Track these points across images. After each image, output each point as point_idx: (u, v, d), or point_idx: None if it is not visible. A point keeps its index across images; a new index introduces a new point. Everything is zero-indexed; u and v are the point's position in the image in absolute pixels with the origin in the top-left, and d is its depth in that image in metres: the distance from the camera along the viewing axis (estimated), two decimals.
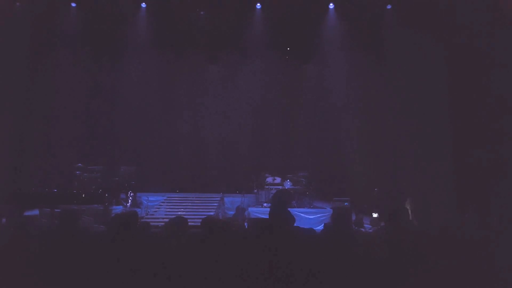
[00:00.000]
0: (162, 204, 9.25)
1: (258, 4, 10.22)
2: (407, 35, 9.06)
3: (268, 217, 5.81)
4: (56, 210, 7.60)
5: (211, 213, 8.47)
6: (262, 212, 8.68)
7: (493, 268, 3.05)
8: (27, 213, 7.92)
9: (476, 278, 3.00)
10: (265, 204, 9.17)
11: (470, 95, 7.71)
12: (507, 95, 6.91)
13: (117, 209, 8.80)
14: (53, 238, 3.38)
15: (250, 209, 9.02)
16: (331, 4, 10.20)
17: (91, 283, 2.85)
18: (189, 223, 3.74)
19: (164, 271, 2.89)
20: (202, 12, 10.13)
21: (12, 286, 2.87)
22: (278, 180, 9.92)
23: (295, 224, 4.84)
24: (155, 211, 8.82)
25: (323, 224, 7.74)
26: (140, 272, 2.87)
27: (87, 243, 3.25)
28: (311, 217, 8.69)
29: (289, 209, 5.57)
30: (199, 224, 3.52)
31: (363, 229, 8.17)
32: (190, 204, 9.30)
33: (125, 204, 9.09)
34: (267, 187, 9.78)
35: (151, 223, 5.18)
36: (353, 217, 8.54)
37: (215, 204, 9.18)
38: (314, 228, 4.06)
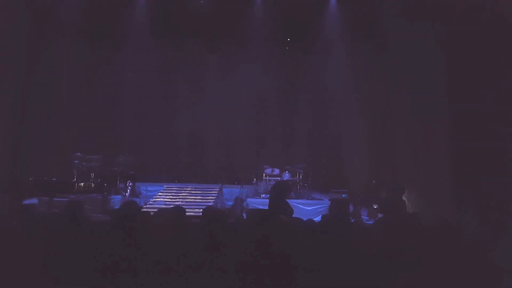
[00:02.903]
0: (161, 194, 9.27)
1: None
2: (408, 26, 9.01)
3: (266, 208, 5.88)
4: (54, 199, 7.64)
5: (210, 204, 8.50)
6: (260, 203, 8.72)
7: (490, 260, 3.08)
8: (25, 202, 7.94)
9: (473, 270, 3.03)
10: (263, 195, 9.20)
11: (470, 88, 7.69)
12: (507, 89, 6.90)
13: (116, 198, 8.83)
14: (54, 227, 3.40)
15: (248, 200, 9.06)
16: None
17: (90, 271, 2.87)
18: (188, 213, 3.76)
19: (163, 260, 2.91)
20: (202, 1, 10.03)
21: (11, 275, 2.89)
22: (276, 171, 9.96)
23: (293, 215, 4.87)
24: (154, 201, 8.84)
25: (321, 215, 7.82)
26: (139, 261, 2.89)
27: (89, 232, 3.28)
28: (309, 208, 8.74)
29: (287, 200, 5.64)
30: (198, 214, 3.55)
31: (360, 221, 8.25)
32: (188, 194, 9.33)
33: (124, 194, 9.11)
34: (265, 178, 9.82)
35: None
36: (351, 209, 8.62)
37: (214, 194, 9.20)
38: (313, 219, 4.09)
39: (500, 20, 6.96)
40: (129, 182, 9.24)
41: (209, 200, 8.90)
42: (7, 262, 2.91)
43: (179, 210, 3.66)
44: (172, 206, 4.45)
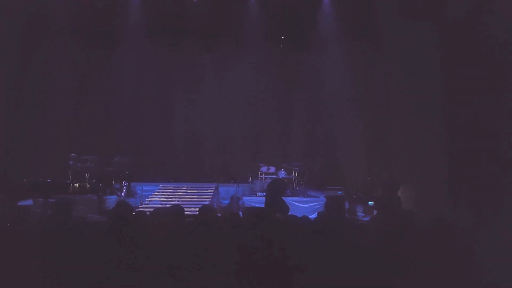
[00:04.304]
0: (157, 193, 9.25)
1: None
2: (403, 23, 9.03)
3: (262, 206, 5.88)
4: (49, 200, 7.59)
5: (206, 203, 8.49)
6: (256, 201, 8.73)
7: (483, 257, 3.10)
8: (20, 203, 7.88)
9: (468, 266, 3.05)
10: (259, 193, 9.21)
11: (465, 85, 7.72)
12: (504, 87, 6.94)
13: (111, 198, 8.79)
14: (47, 227, 3.39)
15: (244, 198, 9.07)
16: None
17: (87, 272, 2.86)
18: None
19: (161, 259, 2.91)
20: (195, 0, 10.00)
21: (6, 276, 2.87)
22: (272, 169, 9.96)
23: (289, 213, 4.88)
24: (150, 201, 8.82)
25: (316, 213, 7.84)
26: (138, 261, 2.89)
27: (83, 232, 3.26)
28: (305, 206, 8.76)
29: (283, 198, 5.64)
30: (194, 213, 3.54)
31: (356, 218, 8.28)
32: (184, 193, 9.32)
33: (119, 194, 9.07)
34: (261, 176, 9.82)
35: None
36: (346, 206, 8.64)
37: (210, 193, 9.20)
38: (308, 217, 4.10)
39: (498, 18, 6.99)
40: (124, 182, 9.21)
41: (205, 199, 8.90)
42: (2, 263, 2.90)
43: (178, 209, 3.66)
44: (169, 205, 4.45)
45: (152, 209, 4.91)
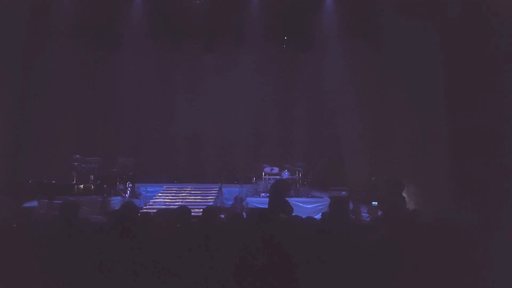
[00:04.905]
0: (161, 194, 9.27)
1: None
2: (405, 23, 9.01)
3: (266, 206, 5.90)
4: (54, 201, 7.63)
5: (210, 203, 8.50)
6: (260, 202, 8.72)
7: (489, 257, 3.09)
8: (25, 205, 7.94)
9: (472, 266, 3.04)
10: (263, 194, 9.21)
11: (468, 84, 7.69)
12: (505, 85, 6.90)
13: (116, 200, 8.82)
14: (53, 229, 3.40)
15: (248, 199, 9.07)
16: None
17: (92, 272, 2.87)
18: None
19: (165, 260, 2.92)
20: (198, 1, 10.02)
21: (12, 277, 2.89)
22: (276, 170, 9.96)
23: (293, 214, 4.89)
24: (154, 202, 8.84)
25: (320, 213, 7.83)
26: (143, 262, 2.89)
27: (88, 233, 3.28)
28: (309, 207, 8.75)
29: (287, 198, 5.65)
30: (198, 214, 3.55)
31: (360, 218, 8.26)
32: (188, 194, 9.33)
33: (124, 195, 9.10)
34: (265, 177, 9.82)
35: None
36: (351, 206, 8.63)
37: (213, 194, 9.21)
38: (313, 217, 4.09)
39: (497, 17, 6.96)
40: (128, 183, 9.24)
41: (209, 200, 8.91)
42: (7, 264, 2.91)
43: (184, 210, 3.67)
44: (174, 206, 4.47)
45: (156, 211, 4.94)
